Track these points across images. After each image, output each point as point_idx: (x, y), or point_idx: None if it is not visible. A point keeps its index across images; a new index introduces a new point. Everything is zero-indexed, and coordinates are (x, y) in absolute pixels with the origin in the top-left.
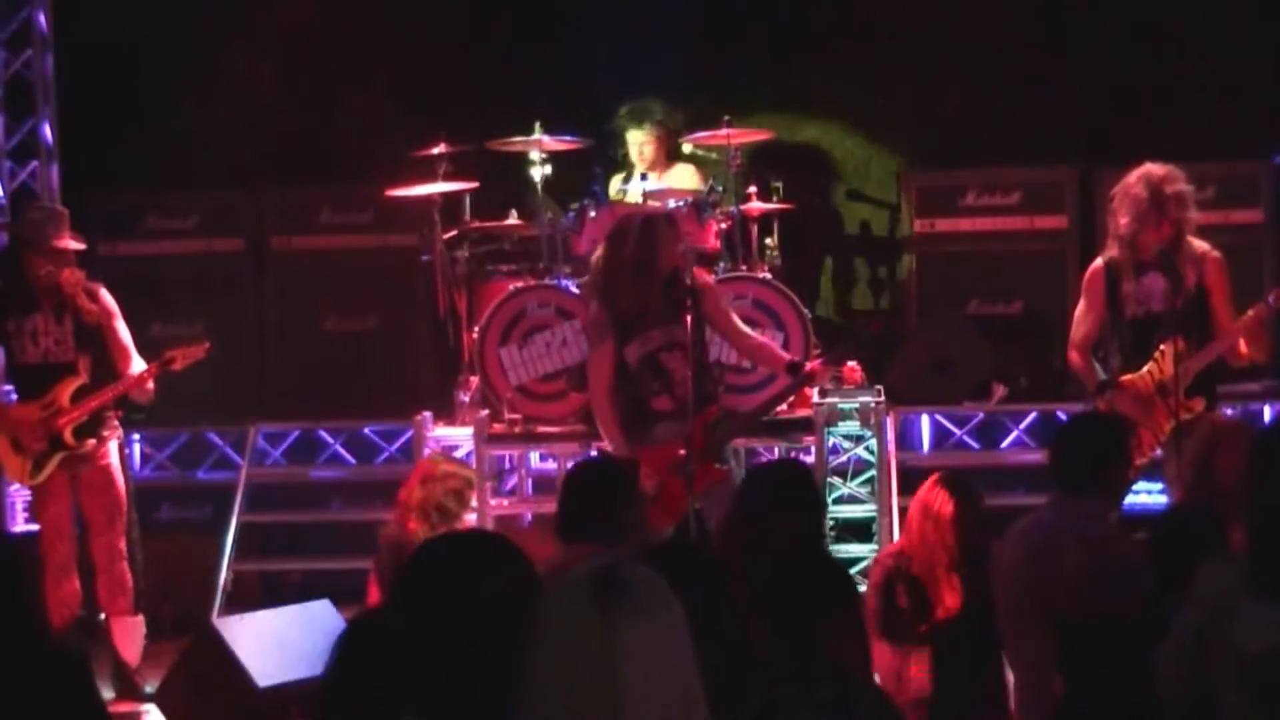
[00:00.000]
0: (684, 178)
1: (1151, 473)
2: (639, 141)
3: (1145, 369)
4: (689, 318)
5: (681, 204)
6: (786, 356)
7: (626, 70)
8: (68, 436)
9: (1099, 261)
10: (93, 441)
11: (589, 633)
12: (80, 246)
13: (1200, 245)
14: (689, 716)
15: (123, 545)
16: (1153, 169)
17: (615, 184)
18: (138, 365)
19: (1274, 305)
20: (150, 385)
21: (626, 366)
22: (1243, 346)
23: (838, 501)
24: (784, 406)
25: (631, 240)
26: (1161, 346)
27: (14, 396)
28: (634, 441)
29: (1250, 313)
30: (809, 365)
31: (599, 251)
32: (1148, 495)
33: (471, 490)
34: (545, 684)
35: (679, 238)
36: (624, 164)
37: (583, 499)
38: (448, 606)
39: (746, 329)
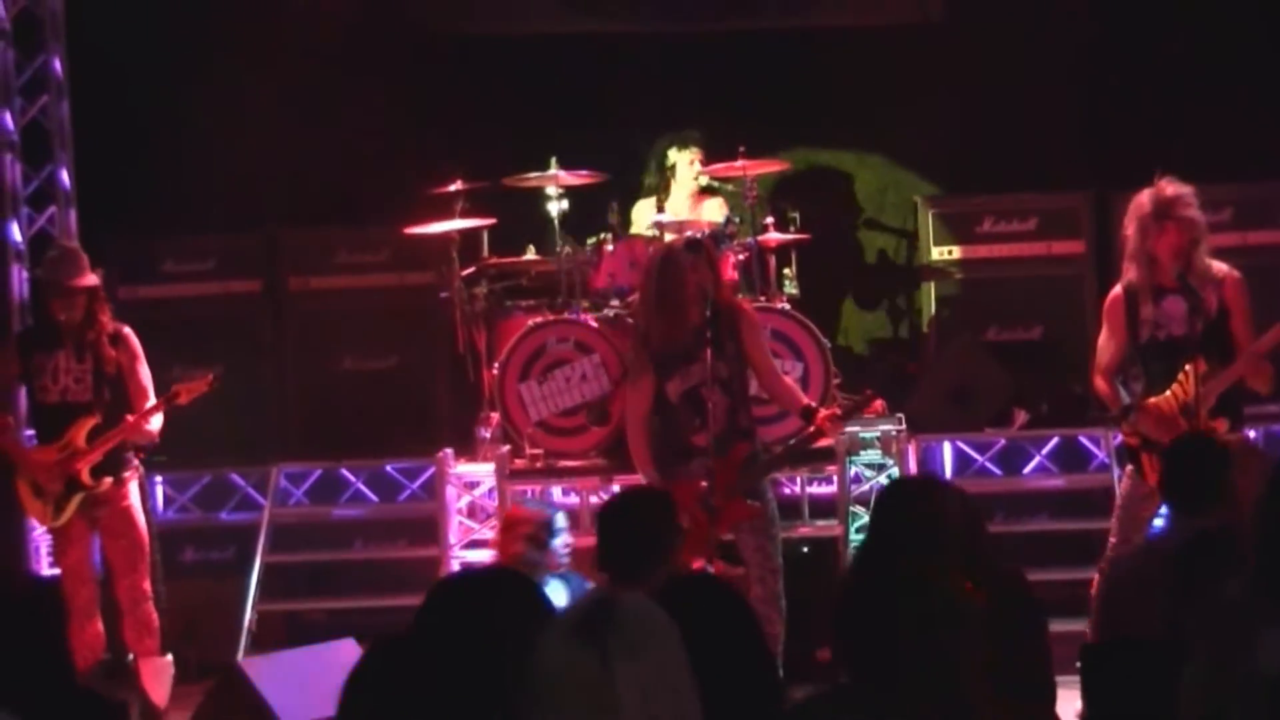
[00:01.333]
0: (713, 211)
1: None
2: (690, 159)
3: (1169, 391)
4: (710, 352)
5: (698, 235)
6: (804, 400)
7: (642, 103)
8: (85, 477)
9: (1118, 288)
10: (109, 480)
11: (585, 664)
12: (94, 282)
13: (1220, 266)
14: None
15: (147, 586)
16: (1159, 183)
17: (641, 209)
18: (144, 401)
19: None
20: (151, 426)
21: (668, 401)
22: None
23: (860, 530)
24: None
25: (653, 275)
26: (1185, 368)
27: (34, 440)
28: (667, 475)
29: (1267, 335)
30: (820, 417)
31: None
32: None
33: (547, 531)
34: (545, 715)
35: (702, 265)
36: (653, 190)
37: (626, 534)
38: (460, 642)
39: (777, 369)
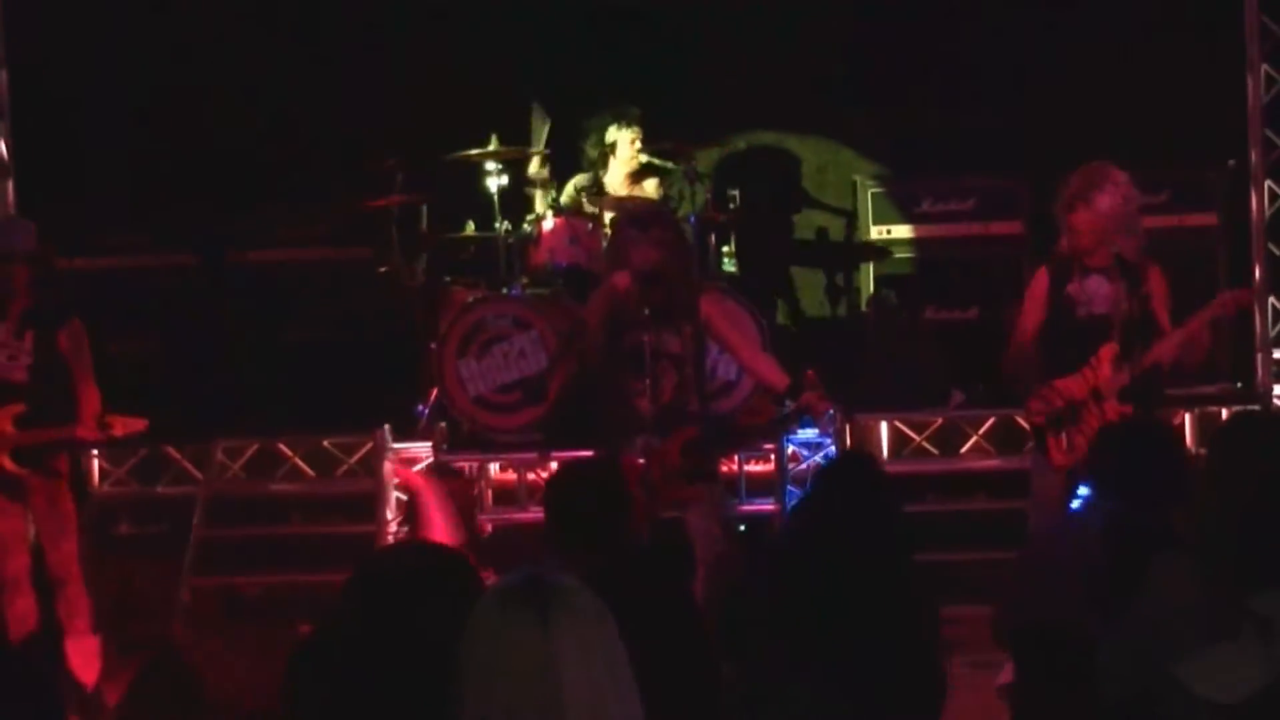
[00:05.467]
0: (651, 190)
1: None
2: (629, 139)
3: (1081, 372)
4: (648, 329)
5: (651, 211)
6: (786, 381)
7: (583, 79)
8: (4, 461)
9: (1043, 266)
10: (29, 470)
11: (522, 627)
12: (23, 248)
13: (1143, 255)
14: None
15: (76, 564)
16: (1089, 163)
17: (576, 182)
18: (94, 399)
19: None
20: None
21: (619, 349)
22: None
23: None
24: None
25: (608, 242)
26: (1099, 352)
27: None
28: (610, 442)
29: (1197, 318)
30: (805, 398)
31: None
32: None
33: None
34: (485, 689)
35: (646, 241)
36: (591, 165)
37: (576, 507)
38: (389, 621)
39: (753, 347)
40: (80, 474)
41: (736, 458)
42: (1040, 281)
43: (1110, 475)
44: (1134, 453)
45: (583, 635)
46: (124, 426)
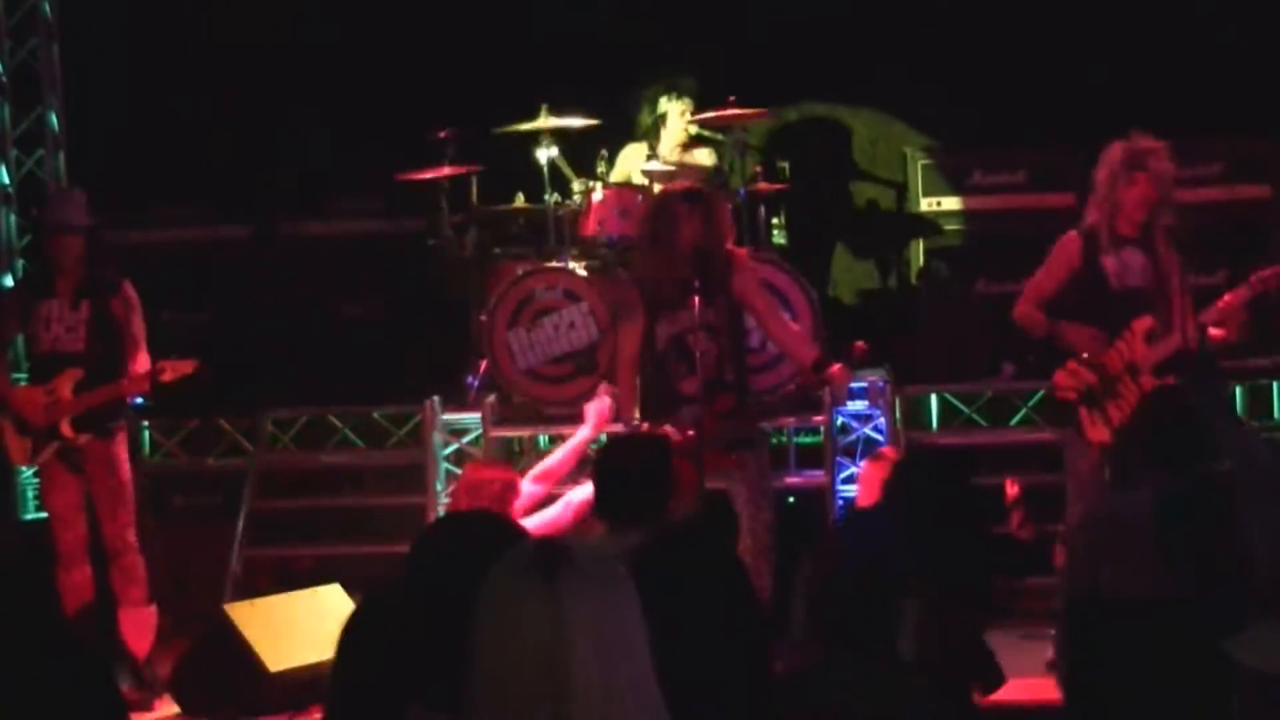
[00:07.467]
0: (703, 159)
1: None
2: (680, 110)
3: (1114, 346)
4: (697, 301)
5: (700, 187)
6: (813, 354)
7: (635, 50)
8: (65, 428)
9: (1073, 232)
10: (88, 436)
11: (537, 602)
12: (83, 221)
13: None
14: (637, 696)
15: (132, 535)
16: (1132, 134)
17: (631, 153)
18: (145, 363)
19: (1256, 289)
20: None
21: (655, 346)
22: (1216, 331)
23: (847, 481)
24: (791, 386)
25: (649, 218)
26: (1132, 325)
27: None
28: (656, 421)
29: (1227, 297)
30: (831, 369)
31: None
32: None
33: (514, 491)
34: (494, 653)
35: (697, 217)
36: (645, 134)
37: (623, 479)
38: (449, 588)
39: (783, 316)
40: (138, 444)
41: (786, 430)
42: (1071, 246)
43: (1144, 446)
44: (1157, 422)
45: (593, 601)
46: (173, 370)
